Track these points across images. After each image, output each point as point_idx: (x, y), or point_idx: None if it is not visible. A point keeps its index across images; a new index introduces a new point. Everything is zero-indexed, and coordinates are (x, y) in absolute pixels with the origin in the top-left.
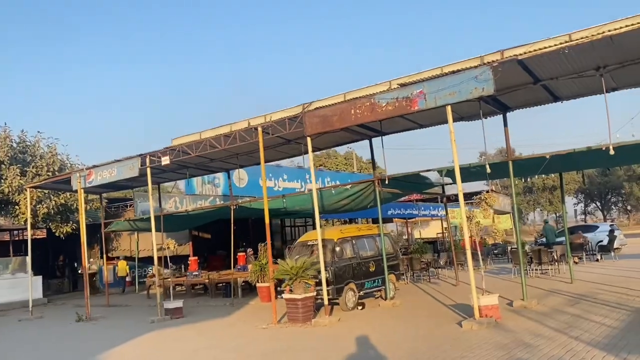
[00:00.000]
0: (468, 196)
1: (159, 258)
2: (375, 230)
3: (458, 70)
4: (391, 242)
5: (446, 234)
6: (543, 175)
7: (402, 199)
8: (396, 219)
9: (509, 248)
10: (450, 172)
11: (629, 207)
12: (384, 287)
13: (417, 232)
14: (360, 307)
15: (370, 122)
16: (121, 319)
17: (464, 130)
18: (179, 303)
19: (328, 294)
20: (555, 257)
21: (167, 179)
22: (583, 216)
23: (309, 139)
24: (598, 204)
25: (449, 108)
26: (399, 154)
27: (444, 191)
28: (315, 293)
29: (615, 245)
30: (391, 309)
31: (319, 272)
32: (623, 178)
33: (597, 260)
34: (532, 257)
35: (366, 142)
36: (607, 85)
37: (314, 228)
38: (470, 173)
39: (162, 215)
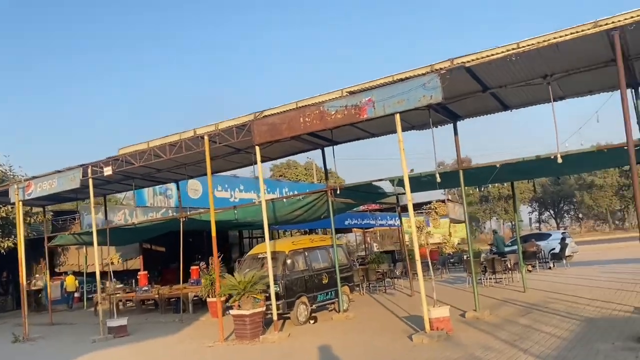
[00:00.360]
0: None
1: (105, 273)
2: (328, 242)
3: (407, 78)
4: (345, 253)
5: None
6: (498, 184)
7: (360, 208)
8: (355, 229)
9: (465, 257)
10: (401, 182)
11: (580, 215)
12: (337, 299)
13: (379, 243)
14: (312, 321)
15: (321, 131)
16: (61, 339)
17: (424, 139)
18: (123, 321)
19: (278, 309)
20: (509, 266)
21: (113, 190)
22: (537, 224)
23: (257, 148)
24: (551, 212)
25: (397, 116)
26: (358, 164)
27: (398, 201)
28: (264, 308)
29: (567, 252)
30: (344, 322)
31: (269, 286)
32: (574, 187)
33: (550, 268)
34: (486, 266)
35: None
36: (554, 94)
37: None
38: (421, 182)
39: (108, 229)
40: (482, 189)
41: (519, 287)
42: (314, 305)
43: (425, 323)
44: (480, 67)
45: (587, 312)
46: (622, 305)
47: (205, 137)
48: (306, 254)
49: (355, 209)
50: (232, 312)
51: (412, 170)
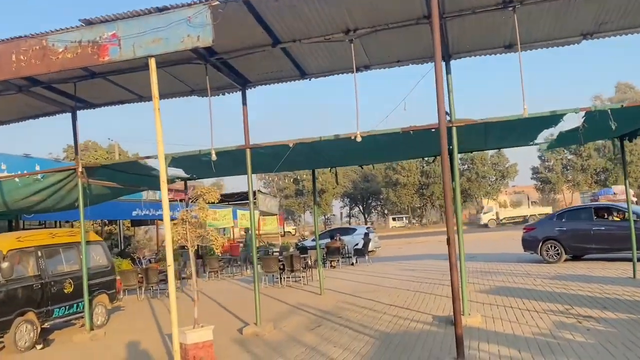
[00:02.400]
0: (231, 196)
1: None
2: (78, 237)
3: (166, 9)
4: (105, 253)
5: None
6: (308, 177)
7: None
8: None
9: (270, 252)
10: (181, 161)
11: (386, 211)
12: (90, 312)
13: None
14: (40, 346)
15: (44, 75)
16: None
17: None
18: None
19: None
20: (310, 263)
21: None
22: (348, 218)
23: None
24: (360, 207)
25: (152, 62)
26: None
27: (186, 187)
28: None
29: (370, 247)
30: (87, 344)
31: None
32: (382, 184)
33: (353, 264)
34: (285, 263)
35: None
36: (358, 60)
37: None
38: (202, 164)
39: None
40: (299, 183)
41: (317, 288)
42: (47, 324)
43: (174, 354)
44: (263, 2)
45: (383, 324)
46: (420, 314)
47: None
48: (40, 254)
49: (149, 198)
50: None
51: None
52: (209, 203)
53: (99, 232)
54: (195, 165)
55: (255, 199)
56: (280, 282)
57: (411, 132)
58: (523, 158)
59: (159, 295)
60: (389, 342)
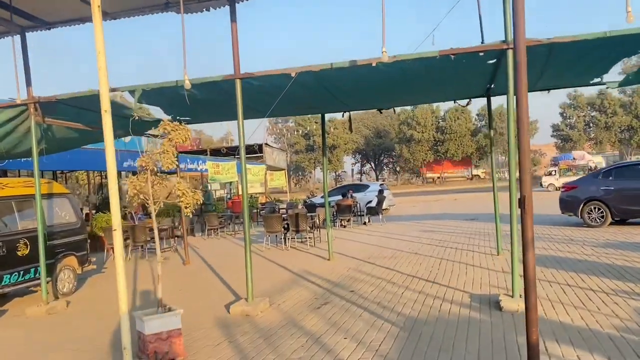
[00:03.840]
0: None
1: None
2: (46, 188)
3: None
4: (72, 207)
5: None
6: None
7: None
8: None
9: (277, 209)
10: (155, 96)
11: (397, 169)
12: (51, 279)
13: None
14: None
15: None
16: None
17: None
18: None
19: None
20: (318, 223)
21: None
22: (359, 176)
23: None
24: (372, 164)
25: None
26: None
27: None
28: None
29: (384, 205)
30: (40, 320)
31: None
32: (395, 140)
33: (365, 223)
34: (289, 223)
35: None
36: None
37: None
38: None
39: None
40: (310, 138)
41: (325, 252)
42: None
43: (123, 352)
44: None
45: (406, 304)
46: (451, 290)
47: None
48: None
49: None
50: None
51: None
52: (181, 153)
53: (98, 184)
54: (176, 102)
55: (262, 152)
56: (285, 243)
57: (452, 56)
58: (543, 114)
59: (148, 255)
60: (418, 334)
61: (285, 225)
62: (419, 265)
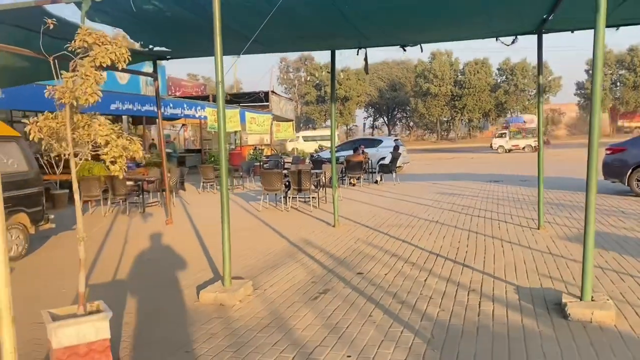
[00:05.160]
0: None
1: None
2: None
3: None
4: (24, 153)
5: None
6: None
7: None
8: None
9: (282, 163)
10: (111, 12)
11: (411, 124)
12: None
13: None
14: None
15: None
16: None
17: None
18: None
19: None
20: (323, 181)
21: None
22: (371, 130)
23: None
24: (385, 119)
25: None
26: None
27: (156, 67)
28: None
29: (398, 163)
30: None
31: None
32: (410, 94)
33: (377, 182)
34: (290, 180)
35: None
36: None
37: None
38: (152, 19)
39: None
40: (321, 89)
41: (330, 215)
42: None
43: None
44: None
45: (431, 298)
46: (488, 278)
47: None
48: None
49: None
50: None
51: None
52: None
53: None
54: (143, 22)
55: (268, 101)
56: (286, 202)
57: None
58: (568, 71)
59: (129, 211)
60: (454, 353)
61: (287, 183)
62: (441, 239)
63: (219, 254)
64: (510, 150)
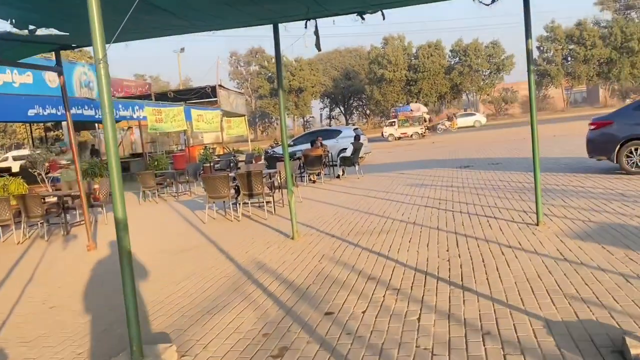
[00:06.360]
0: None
1: None
2: None
3: None
4: None
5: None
6: (290, 77)
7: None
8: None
9: (234, 163)
10: None
11: (368, 112)
12: None
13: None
14: None
15: None
16: None
17: None
18: None
19: None
20: (279, 182)
21: None
22: (328, 120)
23: None
24: (341, 108)
25: None
26: None
27: (58, 57)
28: None
29: (360, 154)
30: None
31: None
32: (365, 82)
33: (339, 176)
34: (240, 184)
35: None
36: None
37: None
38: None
39: None
40: (274, 81)
41: (287, 223)
42: None
43: None
44: None
45: (433, 355)
46: (505, 310)
47: None
48: None
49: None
50: None
51: None
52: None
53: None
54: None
55: (215, 96)
56: (236, 209)
57: None
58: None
59: (50, 234)
60: None
61: (236, 187)
62: (425, 248)
63: (148, 291)
64: (399, 138)
